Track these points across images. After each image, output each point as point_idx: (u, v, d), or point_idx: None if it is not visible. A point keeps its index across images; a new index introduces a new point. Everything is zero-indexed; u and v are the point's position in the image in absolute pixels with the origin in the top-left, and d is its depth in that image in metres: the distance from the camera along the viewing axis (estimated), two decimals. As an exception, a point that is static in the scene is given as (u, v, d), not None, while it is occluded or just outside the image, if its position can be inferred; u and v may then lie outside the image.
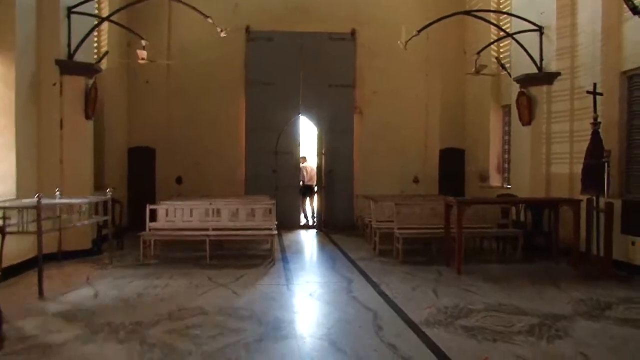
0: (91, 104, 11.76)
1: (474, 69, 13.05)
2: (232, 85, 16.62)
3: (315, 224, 16.75)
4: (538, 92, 12.27)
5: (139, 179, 16.32)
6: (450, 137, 17.08)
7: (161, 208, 11.46)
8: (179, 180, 16.51)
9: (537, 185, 12.19)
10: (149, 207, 11.36)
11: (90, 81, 11.78)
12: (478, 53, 13.17)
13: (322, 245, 13.66)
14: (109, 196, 10.58)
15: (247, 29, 16.60)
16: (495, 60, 14.62)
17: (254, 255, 11.82)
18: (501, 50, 15.15)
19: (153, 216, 11.51)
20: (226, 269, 10.31)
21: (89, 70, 11.70)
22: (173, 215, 11.48)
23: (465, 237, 10.94)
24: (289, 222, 16.53)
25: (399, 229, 11.38)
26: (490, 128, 15.60)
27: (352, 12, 16.86)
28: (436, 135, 17.07)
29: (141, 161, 16.35)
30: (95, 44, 14.39)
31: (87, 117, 11.76)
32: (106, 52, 14.36)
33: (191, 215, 11.47)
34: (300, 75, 16.60)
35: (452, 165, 17.09)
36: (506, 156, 15.42)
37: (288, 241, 14.23)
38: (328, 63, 16.71)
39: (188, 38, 16.48)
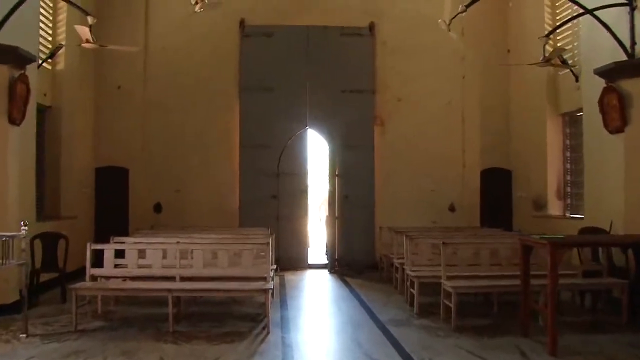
0: (17, 104, 8.33)
1: (542, 58, 9.51)
2: (223, 92, 13.23)
3: (328, 262, 13.09)
4: (633, 86, 8.72)
5: (109, 206, 12.87)
6: (494, 154, 13.52)
7: (108, 248, 7.87)
8: (157, 208, 13.03)
9: (637, 215, 8.58)
10: (89, 246, 7.79)
11: (17, 72, 8.36)
12: (547, 36, 9.68)
13: (337, 297, 10.07)
14: (22, 232, 7.00)
15: (242, 23, 13.24)
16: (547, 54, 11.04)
17: (241, 315, 8.19)
18: (558, 40, 11.68)
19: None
20: (195, 342, 6.76)
21: (15, 56, 8.26)
22: (127, 257, 7.94)
23: (539, 289, 7.43)
24: (293, 261, 12.97)
25: (449, 279, 7.80)
26: (547, 142, 12.04)
27: (370, 2, 13.50)
28: (476, 152, 13.52)
29: (111, 184, 12.94)
30: (46, 34, 11.04)
31: (12, 122, 8.32)
32: (59, 46, 11.08)
33: (147, 259, 7.93)
34: (306, 79, 13.19)
35: (497, 190, 13.50)
36: (569, 177, 11.86)
37: (291, 288, 10.63)
38: (341, 64, 13.30)
39: (169, 35, 13.18)
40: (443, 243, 8.03)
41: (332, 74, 13.21)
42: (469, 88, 13.58)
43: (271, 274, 8.15)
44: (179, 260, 7.77)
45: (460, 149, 13.58)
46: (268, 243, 8.13)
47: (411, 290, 8.75)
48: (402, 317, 8.14)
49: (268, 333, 7.14)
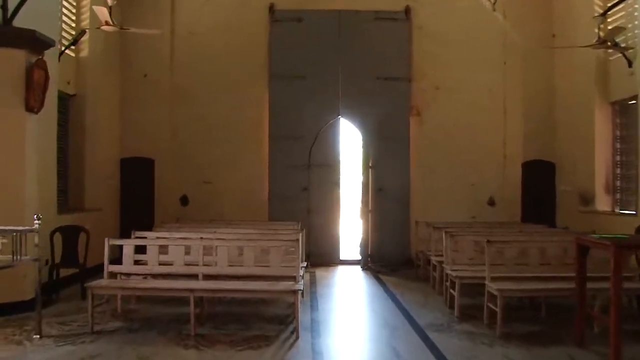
0: (35, 91, 7.86)
1: (596, 40, 8.72)
2: (252, 80, 12.65)
3: (361, 258, 12.46)
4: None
5: (134, 198, 12.45)
6: (537, 145, 12.70)
7: (127, 244, 7.36)
8: (184, 201, 12.55)
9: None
10: (108, 241, 7.28)
11: (35, 58, 7.90)
12: (602, 15, 8.89)
13: (370, 296, 9.44)
14: (35, 226, 6.53)
15: (271, 8, 12.62)
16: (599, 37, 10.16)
17: (268, 317, 7.62)
18: (609, 23, 10.78)
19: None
20: (219, 346, 6.23)
21: (32, 40, 7.80)
22: (148, 254, 7.42)
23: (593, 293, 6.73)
24: (325, 256, 12.38)
25: (494, 280, 7.12)
26: (595, 132, 11.18)
27: (406, -15, 12.78)
28: (518, 144, 12.73)
29: (137, 176, 12.50)
30: (69, 19, 10.60)
31: (30, 110, 7.86)
32: (83, 32, 10.61)
33: (169, 255, 7.40)
34: (338, 66, 12.53)
35: (539, 183, 12.70)
36: (619, 170, 11.00)
37: (322, 286, 10.04)
38: (375, 50, 12.61)
39: (197, 20, 12.65)
40: (488, 241, 7.35)
41: (365, 60, 12.53)
42: (510, 75, 12.77)
43: (301, 272, 7.58)
44: (202, 257, 7.22)
45: (501, 140, 12.81)
46: (298, 240, 7.53)
47: (451, 291, 8.10)
48: (442, 321, 7.48)
49: (297, 338, 6.56)
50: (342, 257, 12.70)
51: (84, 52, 11.21)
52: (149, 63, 12.49)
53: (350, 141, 13.64)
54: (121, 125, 12.47)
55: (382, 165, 12.54)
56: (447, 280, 8.46)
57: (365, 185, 12.51)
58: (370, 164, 12.50)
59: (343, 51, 12.52)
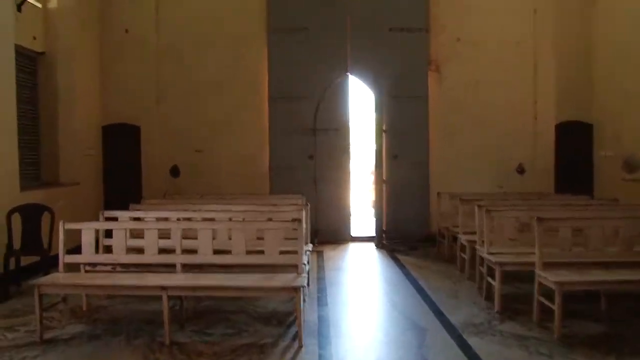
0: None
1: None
2: (249, 34, 10.96)
3: (375, 233, 10.95)
4: None
5: (119, 170, 10.89)
6: (572, 104, 10.98)
7: (86, 229, 5.81)
8: (174, 172, 10.99)
9: None
10: (63, 225, 5.75)
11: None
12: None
13: (388, 283, 7.82)
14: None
15: (269, -49, 10.91)
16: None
17: (264, 315, 6.10)
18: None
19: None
20: (199, 361, 4.76)
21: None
22: (114, 239, 5.88)
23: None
24: (334, 233, 10.87)
25: (547, 268, 5.57)
26: (642, 88, 9.52)
27: None
28: (550, 103, 11.02)
29: (121, 145, 10.91)
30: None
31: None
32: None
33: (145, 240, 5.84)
34: (346, 16, 10.81)
35: (575, 148, 11.04)
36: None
37: (331, 270, 8.52)
38: (388, -3, 10.94)
39: (185, -33, 10.99)
40: (538, 219, 5.77)
41: (376, 9, 10.80)
42: (541, 25, 11.02)
43: (305, 259, 6.04)
44: (180, 243, 5.68)
45: (531, 99, 11.13)
46: (300, 219, 5.95)
47: (489, 279, 6.57)
48: (481, 318, 5.93)
49: (300, 346, 5.05)
50: (353, 233, 11.14)
51: (53, 2, 9.60)
52: (131, 16, 10.81)
53: (360, 102, 11.98)
54: (101, 89, 10.81)
55: (397, 128, 10.88)
56: (482, 266, 6.93)
57: (378, 152, 10.85)
58: (383, 128, 10.83)
59: (351, -1, 10.84)
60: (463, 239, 7.95)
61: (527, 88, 11.09)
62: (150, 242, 5.63)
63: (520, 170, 11.12)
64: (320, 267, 8.64)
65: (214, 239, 5.76)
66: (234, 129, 10.92)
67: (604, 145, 10.73)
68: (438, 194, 9.66)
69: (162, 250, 5.82)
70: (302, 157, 10.81)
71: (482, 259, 6.90)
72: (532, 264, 5.84)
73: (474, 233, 7.52)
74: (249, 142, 10.95)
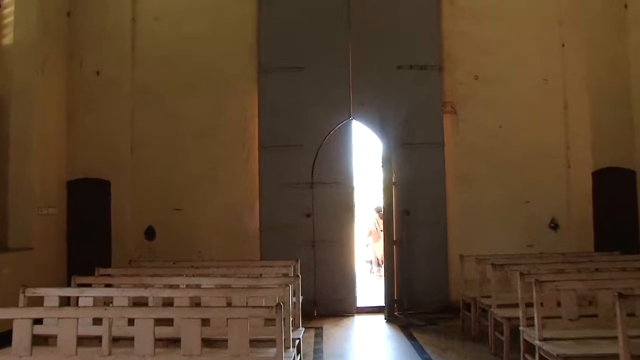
0: None
1: None
2: (236, 74, 9.48)
3: (385, 304, 9.02)
4: None
5: (86, 232, 9.17)
6: (610, 148, 9.31)
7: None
8: (149, 234, 9.30)
9: None
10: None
11: None
12: None
13: None
14: None
15: (260, -19, 9.53)
16: None
17: None
18: None
19: None
20: None
21: None
22: (16, 336, 4.12)
23: None
24: (336, 304, 9.04)
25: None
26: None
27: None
28: (585, 147, 9.34)
29: (89, 203, 9.26)
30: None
31: None
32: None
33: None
34: (348, 52, 9.31)
35: (615, 198, 9.31)
36: None
37: (332, 356, 6.68)
38: (394, 31, 9.42)
39: (164, 2, 9.60)
40: (619, 295, 4.01)
41: (382, 44, 9.34)
42: (571, 60, 9.50)
43: (291, 354, 4.28)
44: (108, 340, 3.92)
45: (562, 144, 9.49)
46: (289, 285, 4.15)
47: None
48: None
49: None
50: (359, 303, 9.32)
51: (8, 39, 8.18)
52: (103, 57, 9.35)
53: (366, 150, 10.32)
54: (67, 138, 9.24)
55: (409, 180, 9.19)
56: (528, 352, 5.15)
57: (388, 208, 9.11)
58: (393, 180, 9.15)
59: (354, 33, 9.30)
60: (498, 314, 6.15)
61: (558, 131, 9.47)
62: (66, 338, 3.87)
63: (554, 225, 9.38)
64: (318, 352, 6.81)
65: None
66: (218, 184, 9.28)
67: (651, 194, 9.03)
68: (461, 256, 7.84)
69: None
70: (297, 215, 9.10)
71: (528, 343, 5.14)
72: (611, 357, 4.09)
73: (511, 307, 5.89)
74: (236, 199, 9.29)
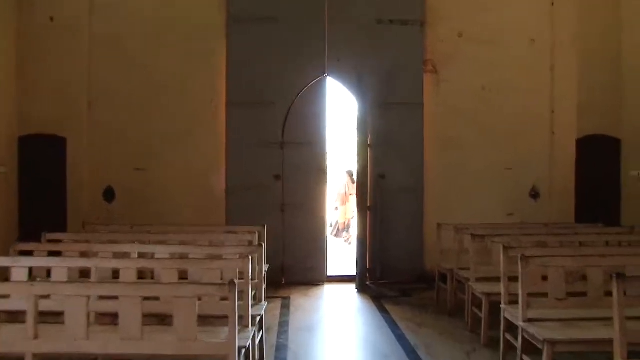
0: None
1: None
2: (204, 24, 8.71)
3: (357, 273, 8.57)
4: None
5: (39, 192, 8.48)
6: (597, 115, 8.79)
7: None
8: (108, 195, 8.65)
9: None
10: None
11: None
12: None
13: (377, 355, 5.55)
14: None
15: None
16: None
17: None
18: None
19: None
20: None
21: None
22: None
23: None
24: (307, 272, 8.55)
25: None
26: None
27: None
28: (571, 113, 8.84)
29: (42, 161, 8.51)
30: None
31: None
32: None
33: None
34: (324, 4, 8.64)
35: (599, 167, 8.89)
36: None
37: (299, 329, 6.18)
38: (375, -18, 8.76)
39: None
40: (618, 276, 3.53)
41: (362, -4, 8.71)
42: (560, 20, 8.94)
43: (248, 337, 3.76)
44: (33, 325, 3.35)
45: (547, 108, 9.00)
46: (233, 284, 3.57)
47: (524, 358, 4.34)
48: None
49: None
50: (329, 272, 8.85)
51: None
52: (58, 1, 8.52)
53: (340, 109, 9.73)
54: (17, 90, 8.41)
55: (385, 142, 8.63)
56: (508, 330, 4.74)
57: (362, 171, 8.56)
58: (368, 142, 8.60)
59: (330, -17, 8.64)
60: (477, 289, 5.70)
61: (543, 95, 8.97)
62: None
63: (534, 194, 8.96)
64: (284, 325, 6.32)
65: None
66: (183, 142, 8.63)
67: (635, 163, 8.60)
68: (438, 225, 7.35)
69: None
70: (266, 177, 8.52)
71: (510, 322, 4.70)
72: (604, 342, 3.66)
73: (491, 280, 5.46)
74: (202, 158, 8.66)
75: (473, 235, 5.96)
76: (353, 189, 12.14)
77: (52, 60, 8.48)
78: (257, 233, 6.15)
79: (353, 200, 12.12)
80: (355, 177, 9.97)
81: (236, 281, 3.21)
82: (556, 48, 8.95)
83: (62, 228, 7.97)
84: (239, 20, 8.58)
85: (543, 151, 8.97)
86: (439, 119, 8.82)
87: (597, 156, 8.89)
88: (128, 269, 4.15)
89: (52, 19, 8.50)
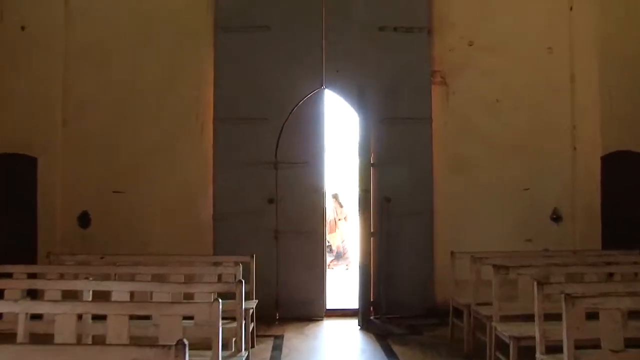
0: None
1: None
2: (190, 33, 7.88)
3: (360, 307, 7.51)
4: None
5: (6, 218, 7.60)
6: (623, 129, 7.92)
7: None
8: (84, 220, 7.75)
9: None
10: None
11: None
12: None
13: None
14: None
15: None
16: None
17: None
18: None
19: None
20: None
21: None
22: None
23: None
24: (303, 306, 7.57)
25: None
26: None
27: None
28: (594, 127, 7.93)
29: (11, 182, 7.69)
30: None
31: None
32: None
33: None
34: (321, 11, 7.81)
35: (627, 186, 7.95)
36: None
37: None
38: (377, -14, 7.94)
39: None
40: None
41: (363, 1, 7.85)
42: (580, 26, 8.07)
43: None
44: None
45: (568, 122, 8.07)
46: (181, 347, 2.59)
47: None
48: None
49: None
50: (329, 304, 7.88)
51: None
52: (30, 9, 7.74)
53: (340, 125, 8.84)
54: (-16, 105, 7.68)
55: (390, 161, 7.72)
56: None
57: (364, 195, 7.63)
58: (372, 161, 7.71)
59: (328, -13, 7.83)
60: (503, 331, 4.74)
61: (563, 107, 8.06)
62: None
63: (556, 217, 8.01)
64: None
65: None
66: (167, 163, 7.74)
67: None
68: (452, 253, 6.41)
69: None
70: (258, 201, 7.60)
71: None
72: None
73: (517, 319, 4.75)
74: (187, 180, 7.76)
75: (496, 267, 5.00)
76: (342, 213, 11.26)
77: (23, 72, 7.70)
78: (240, 266, 5.21)
79: (343, 225, 11.23)
80: (341, 201, 9.14)
81: (186, 342, 2.28)
82: (576, 56, 8.06)
83: (31, 257, 7.13)
84: (228, 28, 7.74)
85: (564, 169, 8.02)
86: (449, 135, 7.92)
87: (624, 174, 7.99)
88: (64, 315, 3.22)
89: (23, 28, 7.75)
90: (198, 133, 7.81)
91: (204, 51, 7.85)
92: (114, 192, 7.74)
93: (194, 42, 7.88)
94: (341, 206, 10.64)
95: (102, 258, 6.16)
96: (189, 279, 4.89)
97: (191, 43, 7.87)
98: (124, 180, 7.75)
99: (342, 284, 9.62)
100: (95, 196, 7.75)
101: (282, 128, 7.66)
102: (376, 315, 7.59)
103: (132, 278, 4.92)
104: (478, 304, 5.58)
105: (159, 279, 4.80)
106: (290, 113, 7.69)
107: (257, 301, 6.09)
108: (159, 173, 7.73)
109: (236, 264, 5.34)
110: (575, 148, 8.06)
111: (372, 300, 7.58)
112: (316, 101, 7.80)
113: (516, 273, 4.95)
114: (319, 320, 7.53)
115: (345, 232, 11.51)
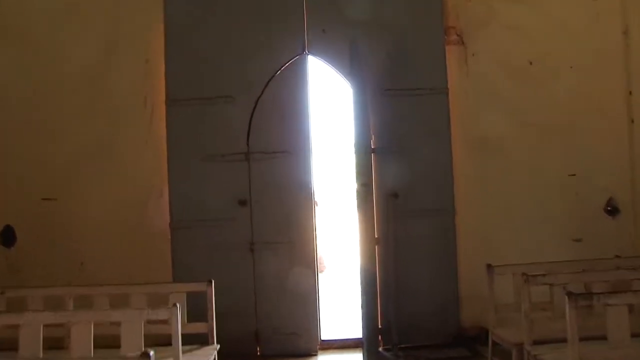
0: None
1: None
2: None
3: (364, 336, 5.72)
4: None
5: None
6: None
7: None
8: (7, 237, 5.95)
9: None
10: None
11: None
12: None
13: None
14: None
15: None
16: None
17: None
18: None
19: None
20: None
21: None
22: None
23: None
24: (289, 339, 5.71)
25: None
26: None
27: None
28: (656, 94, 6.17)
29: None
30: None
31: None
32: None
33: None
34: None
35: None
36: None
37: None
38: None
39: None
40: None
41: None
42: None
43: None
44: None
45: (622, 88, 6.20)
46: None
47: None
48: None
49: None
50: (325, 335, 6.05)
51: None
52: None
53: (329, 100, 7.03)
54: None
55: (395, 146, 5.88)
56: None
57: (363, 191, 5.79)
58: (371, 145, 5.86)
59: None
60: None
61: (615, 70, 6.19)
62: None
63: (611, 208, 6.15)
64: None
65: None
66: (108, 160, 5.93)
67: None
68: (489, 267, 4.54)
69: None
70: (227, 204, 5.76)
71: None
72: None
73: None
74: (134, 182, 5.95)
75: (571, 295, 3.13)
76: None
77: None
78: (182, 305, 3.34)
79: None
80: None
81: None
82: (630, 4, 6.23)
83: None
84: (182, -16, 5.93)
85: (620, 148, 6.15)
86: (471, 109, 6.06)
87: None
88: None
89: None
90: (147, 120, 5.97)
91: (152, 16, 6.00)
92: (43, 199, 5.95)
93: (139, 5, 6.07)
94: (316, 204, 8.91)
95: (2, 293, 4.37)
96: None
97: (134, 5, 6.05)
98: (55, 184, 5.94)
99: (339, 304, 7.78)
100: (20, 206, 5.94)
101: (254, 108, 5.80)
102: (386, 345, 5.75)
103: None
104: (536, 343, 3.74)
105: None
106: (264, 88, 5.82)
107: (218, 346, 4.27)
108: (99, 174, 5.91)
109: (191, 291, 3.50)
110: (632, 120, 6.18)
111: (379, 326, 5.74)
112: (297, 71, 5.92)
113: (604, 302, 3.10)
114: (312, 356, 5.70)
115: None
